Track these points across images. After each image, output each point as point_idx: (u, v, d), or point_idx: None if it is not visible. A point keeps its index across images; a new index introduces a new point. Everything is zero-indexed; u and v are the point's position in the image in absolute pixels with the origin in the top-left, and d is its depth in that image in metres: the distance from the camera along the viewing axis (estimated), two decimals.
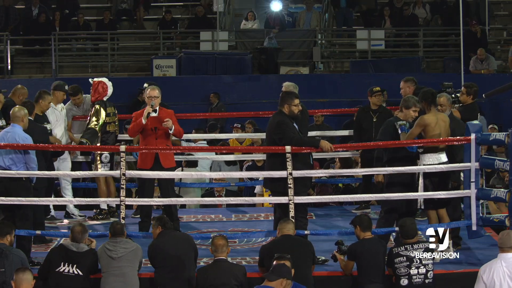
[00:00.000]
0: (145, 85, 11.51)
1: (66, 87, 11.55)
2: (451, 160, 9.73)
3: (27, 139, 9.51)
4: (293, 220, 9.12)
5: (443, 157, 9.53)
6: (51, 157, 10.79)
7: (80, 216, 11.65)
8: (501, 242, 7.87)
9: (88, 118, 11.26)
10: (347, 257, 8.83)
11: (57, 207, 11.65)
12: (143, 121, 10.28)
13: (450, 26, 21.18)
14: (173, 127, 10.34)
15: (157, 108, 10.39)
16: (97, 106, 11.19)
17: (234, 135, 14.41)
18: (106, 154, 11.18)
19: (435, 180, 9.55)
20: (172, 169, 10.48)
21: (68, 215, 11.61)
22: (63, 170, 11.28)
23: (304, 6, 22.36)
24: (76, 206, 11.71)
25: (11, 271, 7.99)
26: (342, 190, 12.76)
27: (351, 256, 8.78)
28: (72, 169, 11.58)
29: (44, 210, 11.04)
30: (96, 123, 11.13)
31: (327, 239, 9.74)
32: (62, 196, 11.56)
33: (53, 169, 10.92)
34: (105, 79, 11.47)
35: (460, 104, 10.89)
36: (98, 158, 11.18)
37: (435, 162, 9.48)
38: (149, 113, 10.30)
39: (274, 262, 7.78)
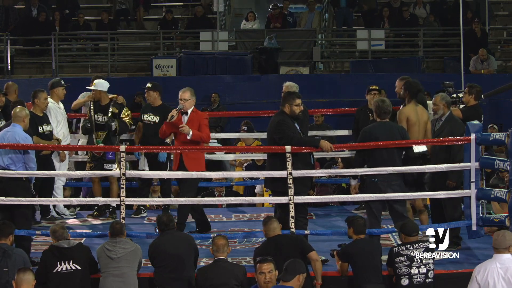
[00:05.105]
0: (148, 84, 11.47)
1: (62, 82, 11.48)
2: (450, 160, 9.72)
3: (27, 139, 9.51)
4: (274, 218, 9.00)
5: (421, 147, 9.63)
6: (49, 155, 10.77)
7: (71, 215, 11.60)
8: (496, 243, 7.85)
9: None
10: (341, 259, 8.81)
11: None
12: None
13: (450, 26, 21.17)
14: (191, 133, 10.17)
15: (189, 110, 10.30)
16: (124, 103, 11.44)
17: (234, 135, 14.38)
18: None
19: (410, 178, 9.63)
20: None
21: (58, 215, 11.54)
22: (60, 168, 11.25)
23: (304, 6, 22.32)
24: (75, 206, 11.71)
25: (14, 270, 7.96)
26: (346, 190, 12.73)
27: (344, 258, 8.75)
28: (77, 169, 11.59)
29: (44, 210, 11.07)
30: (128, 118, 11.28)
31: (327, 239, 9.74)
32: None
33: (53, 168, 10.90)
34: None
35: (463, 105, 10.87)
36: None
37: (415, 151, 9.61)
38: (172, 116, 10.26)
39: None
